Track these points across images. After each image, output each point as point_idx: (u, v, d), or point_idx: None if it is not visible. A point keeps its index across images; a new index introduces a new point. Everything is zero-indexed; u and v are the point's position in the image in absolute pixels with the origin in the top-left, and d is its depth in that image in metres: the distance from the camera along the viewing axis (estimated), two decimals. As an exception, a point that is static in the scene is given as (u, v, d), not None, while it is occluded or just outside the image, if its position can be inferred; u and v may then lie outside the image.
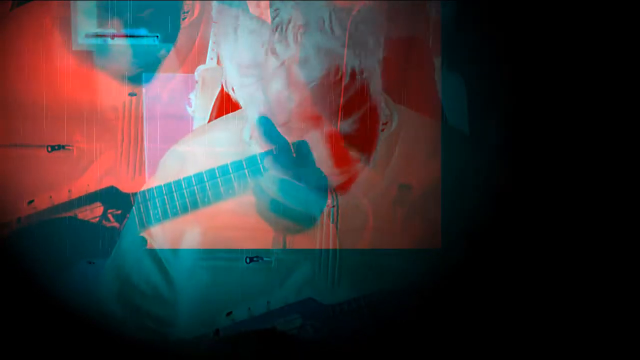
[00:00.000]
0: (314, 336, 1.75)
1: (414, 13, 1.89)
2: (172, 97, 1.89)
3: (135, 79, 1.90)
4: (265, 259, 1.78)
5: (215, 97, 1.88)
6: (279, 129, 1.70)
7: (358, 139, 1.72)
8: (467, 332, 1.76)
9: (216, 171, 1.79)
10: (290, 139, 1.70)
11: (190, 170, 1.79)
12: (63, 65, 1.91)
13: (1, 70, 1.92)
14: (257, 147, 1.75)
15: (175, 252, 1.80)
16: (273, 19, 1.63)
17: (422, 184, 1.78)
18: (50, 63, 1.92)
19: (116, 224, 1.84)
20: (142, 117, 1.89)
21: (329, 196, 1.77)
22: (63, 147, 1.88)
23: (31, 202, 1.87)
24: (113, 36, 1.87)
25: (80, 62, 1.90)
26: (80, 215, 1.84)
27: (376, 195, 1.77)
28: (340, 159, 1.72)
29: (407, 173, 1.79)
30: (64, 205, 1.86)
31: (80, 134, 1.89)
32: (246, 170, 1.78)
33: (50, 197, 1.86)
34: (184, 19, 1.89)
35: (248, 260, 1.78)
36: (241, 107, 1.76)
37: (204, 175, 1.79)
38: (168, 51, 1.86)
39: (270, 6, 1.64)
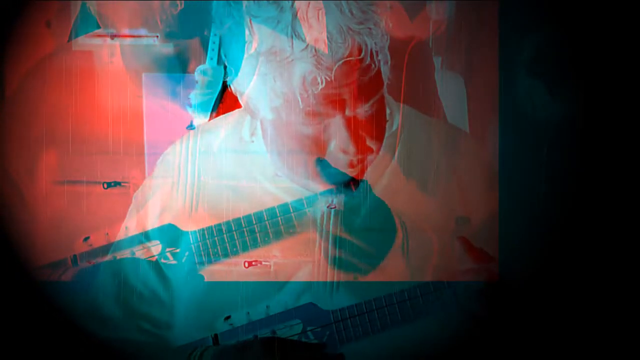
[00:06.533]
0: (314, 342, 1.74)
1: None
2: (228, 131, 1.86)
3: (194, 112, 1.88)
4: (264, 262, 1.77)
5: (216, 97, 1.85)
6: (298, 118, 1.69)
7: (370, 127, 1.73)
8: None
9: (277, 210, 1.78)
10: (313, 127, 1.70)
11: (189, 171, 1.80)
12: (121, 102, 1.90)
13: (57, 106, 1.91)
14: (260, 146, 1.77)
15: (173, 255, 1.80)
16: (291, 4, 1.65)
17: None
18: (108, 98, 1.91)
19: (174, 262, 1.80)
20: (197, 151, 1.87)
21: (399, 230, 1.75)
22: (119, 183, 1.85)
23: (87, 239, 1.84)
24: (113, 36, 1.86)
25: (134, 96, 1.90)
26: (138, 254, 1.81)
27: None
28: (359, 146, 1.72)
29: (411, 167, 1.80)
30: (121, 243, 1.83)
31: (136, 170, 1.87)
32: (307, 209, 1.77)
33: (107, 234, 1.83)
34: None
35: (246, 264, 1.77)
36: (241, 107, 1.77)
37: (264, 213, 1.77)
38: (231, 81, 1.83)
39: None
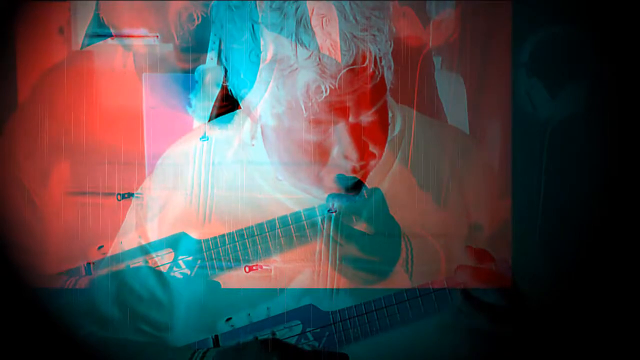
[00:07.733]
0: (314, 344, 1.74)
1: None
2: (243, 141, 1.87)
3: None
4: (264, 267, 1.78)
5: (216, 97, 1.85)
6: (301, 125, 1.69)
7: (373, 132, 1.72)
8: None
9: (289, 218, 1.78)
10: (316, 134, 1.69)
11: (188, 173, 1.81)
12: (133, 111, 1.91)
13: (70, 114, 1.92)
14: (263, 152, 1.77)
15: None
16: (295, 11, 1.64)
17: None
18: (121, 108, 1.91)
19: (187, 271, 1.81)
20: (211, 162, 1.88)
21: (402, 244, 1.76)
22: (133, 195, 1.86)
23: (101, 247, 1.85)
24: (113, 36, 1.87)
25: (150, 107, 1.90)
26: (151, 262, 1.82)
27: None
28: (362, 152, 1.72)
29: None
30: (134, 251, 1.84)
31: (150, 180, 1.87)
32: (319, 218, 1.77)
33: (121, 242, 1.84)
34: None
35: (247, 269, 1.77)
36: (241, 108, 1.78)
37: (277, 221, 1.78)
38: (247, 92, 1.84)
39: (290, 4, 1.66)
